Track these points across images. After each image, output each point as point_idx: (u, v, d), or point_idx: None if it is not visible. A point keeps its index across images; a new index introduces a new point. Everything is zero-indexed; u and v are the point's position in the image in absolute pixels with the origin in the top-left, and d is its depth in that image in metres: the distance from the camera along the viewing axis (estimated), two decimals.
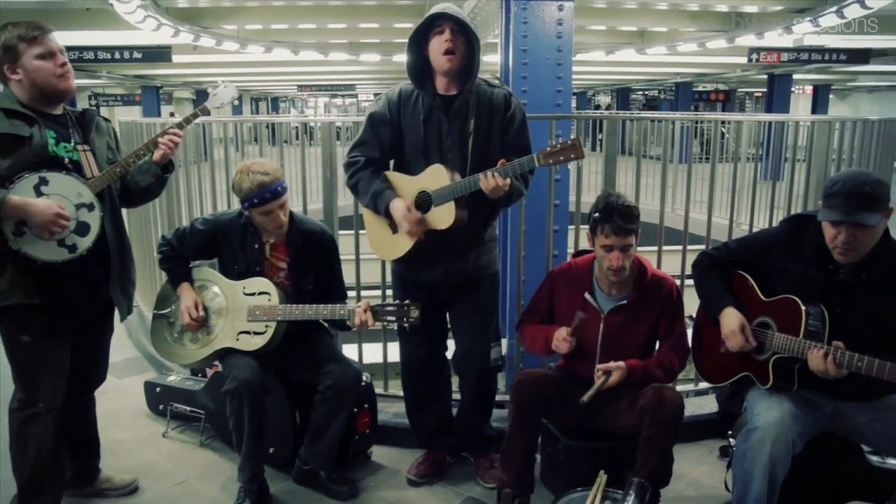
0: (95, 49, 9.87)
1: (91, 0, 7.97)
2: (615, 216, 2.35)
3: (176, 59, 10.92)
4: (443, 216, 2.46)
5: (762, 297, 2.33)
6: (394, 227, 2.57)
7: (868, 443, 2.31)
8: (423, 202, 2.50)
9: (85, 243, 2.29)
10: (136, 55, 9.99)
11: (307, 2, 8.65)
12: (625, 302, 2.50)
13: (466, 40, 2.44)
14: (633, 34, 11.33)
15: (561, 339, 2.44)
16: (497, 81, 2.64)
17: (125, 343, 4.62)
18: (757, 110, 26.99)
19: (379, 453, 3.14)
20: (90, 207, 2.29)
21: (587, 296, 2.52)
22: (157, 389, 3.54)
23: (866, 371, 1.99)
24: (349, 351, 3.56)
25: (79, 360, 2.49)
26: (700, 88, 22.75)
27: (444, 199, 2.44)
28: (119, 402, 3.75)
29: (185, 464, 3.09)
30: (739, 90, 25.97)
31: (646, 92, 28.44)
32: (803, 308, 2.17)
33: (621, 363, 2.40)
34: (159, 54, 10.08)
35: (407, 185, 2.56)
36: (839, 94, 28.11)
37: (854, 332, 2.12)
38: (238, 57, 12.18)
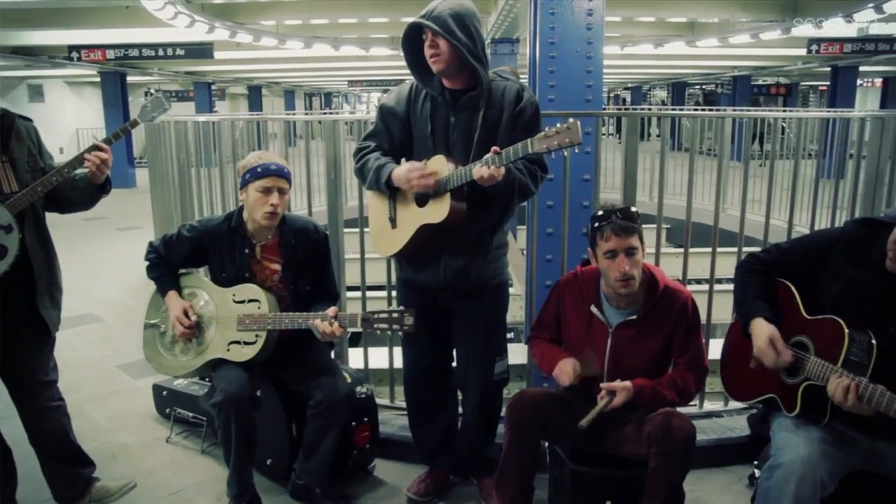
0: (140, 46, 10.02)
1: None
2: (613, 216, 2.20)
3: (220, 55, 11.02)
4: (438, 209, 2.31)
5: (804, 313, 2.05)
6: (394, 222, 2.45)
7: None
8: (422, 194, 2.36)
9: (2, 267, 2.20)
10: (179, 52, 10.11)
11: None
12: (634, 317, 2.28)
13: (447, 41, 2.27)
14: (683, 25, 10.91)
15: (565, 377, 2.27)
16: (512, 75, 2.48)
17: None
18: (821, 105, 25.70)
19: (382, 468, 2.99)
20: (7, 229, 2.19)
21: (593, 309, 2.32)
22: (164, 393, 3.49)
23: (895, 414, 1.72)
24: (355, 355, 3.42)
25: (14, 377, 2.43)
26: (760, 82, 21.80)
27: (441, 190, 2.30)
28: (130, 404, 3.72)
29: (183, 472, 3.01)
30: (802, 84, 24.81)
31: (703, 86, 27.47)
32: (847, 332, 1.90)
33: (627, 383, 2.19)
34: (201, 51, 10.19)
35: None
36: None
37: None
38: (281, 53, 12.23)
